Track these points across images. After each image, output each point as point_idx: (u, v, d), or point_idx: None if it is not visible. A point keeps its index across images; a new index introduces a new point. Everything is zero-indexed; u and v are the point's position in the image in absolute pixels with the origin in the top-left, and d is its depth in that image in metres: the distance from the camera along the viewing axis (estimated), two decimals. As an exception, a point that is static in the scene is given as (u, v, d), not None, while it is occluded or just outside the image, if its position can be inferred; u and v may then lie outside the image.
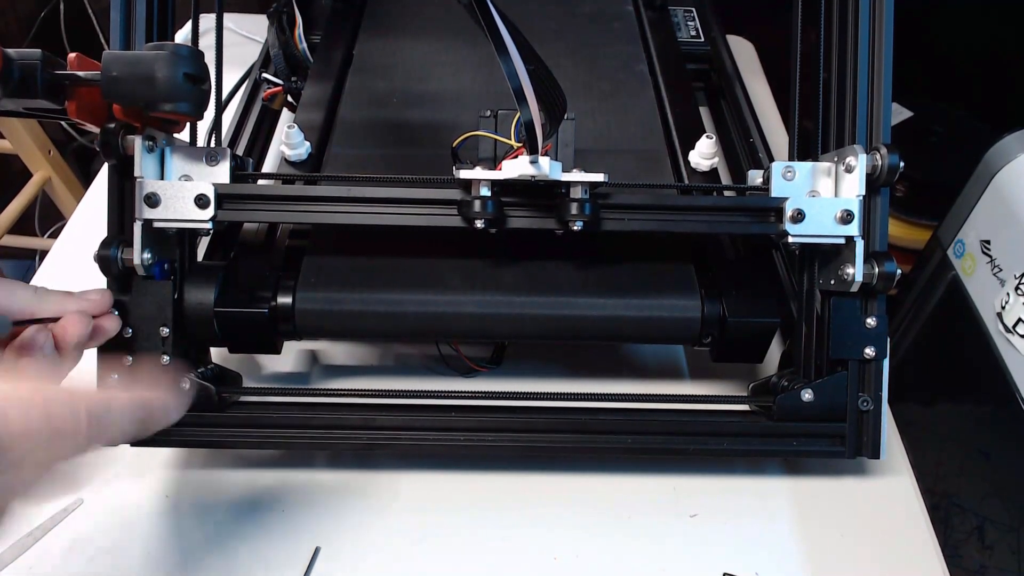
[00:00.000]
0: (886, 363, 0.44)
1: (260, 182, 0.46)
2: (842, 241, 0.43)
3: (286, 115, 0.66)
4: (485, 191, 0.41)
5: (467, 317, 0.45)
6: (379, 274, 0.46)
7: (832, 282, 0.44)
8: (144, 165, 0.40)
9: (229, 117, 0.62)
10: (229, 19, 0.81)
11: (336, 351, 0.54)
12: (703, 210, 0.44)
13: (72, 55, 0.38)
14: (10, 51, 0.35)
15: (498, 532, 0.45)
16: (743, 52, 0.85)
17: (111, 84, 0.36)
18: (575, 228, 0.41)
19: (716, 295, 0.46)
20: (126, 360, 0.42)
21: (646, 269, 0.47)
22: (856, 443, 0.44)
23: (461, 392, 0.46)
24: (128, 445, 0.43)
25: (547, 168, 0.40)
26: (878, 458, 0.44)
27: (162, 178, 0.42)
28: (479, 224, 0.42)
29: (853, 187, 0.42)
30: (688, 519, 0.46)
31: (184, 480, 0.46)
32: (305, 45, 0.66)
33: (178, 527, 0.44)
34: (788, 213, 0.42)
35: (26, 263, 1.38)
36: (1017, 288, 0.62)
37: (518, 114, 0.41)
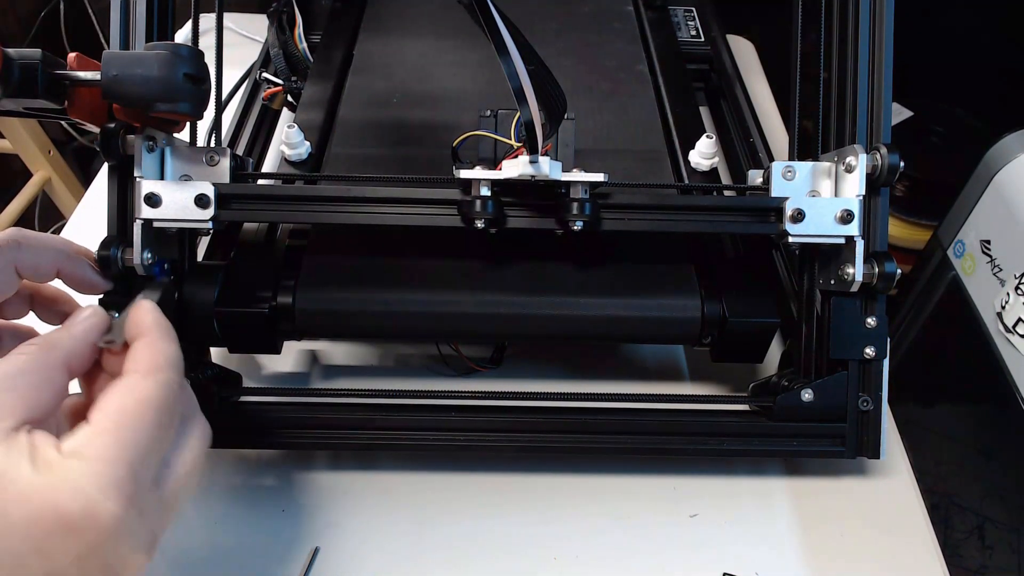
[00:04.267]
0: (886, 363, 0.44)
1: (260, 182, 0.46)
2: (842, 241, 0.43)
3: (286, 115, 0.66)
4: (485, 191, 0.41)
5: (467, 317, 0.45)
6: (379, 274, 0.46)
7: (832, 282, 0.44)
8: (144, 165, 0.40)
9: (229, 117, 0.62)
10: (229, 19, 0.81)
11: (336, 351, 0.54)
12: (703, 210, 0.44)
13: (72, 55, 0.38)
14: (10, 51, 0.35)
15: (498, 532, 0.45)
16: (743, 52, 0.85)
17: (111, 84, 0.36)
18: (575, 228, 0.41)
19: (716, 295, 0.46)
20: None
21: (646, 269, 0.47)
22: (856, 443, 0.44)
23: (461, 392, 0.46)
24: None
25: (547, 168, 0.40)
26: (878, 458, 0.44)
27: (162, 178, 0.42)
28: (479, 224, 0.42)
29: (853, 187, 0.42)
30: (688, 519, 0.46)
31: (184, 480, 0.46)
32: (305, 45, 0.66)
33: (178, 527, 0.44)
34: (788, 213, 0.42)
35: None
36: (1017, 288, 0.62)
37: (518, 114, 0.41)
